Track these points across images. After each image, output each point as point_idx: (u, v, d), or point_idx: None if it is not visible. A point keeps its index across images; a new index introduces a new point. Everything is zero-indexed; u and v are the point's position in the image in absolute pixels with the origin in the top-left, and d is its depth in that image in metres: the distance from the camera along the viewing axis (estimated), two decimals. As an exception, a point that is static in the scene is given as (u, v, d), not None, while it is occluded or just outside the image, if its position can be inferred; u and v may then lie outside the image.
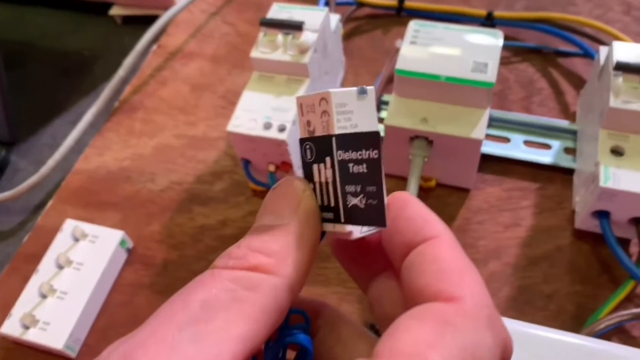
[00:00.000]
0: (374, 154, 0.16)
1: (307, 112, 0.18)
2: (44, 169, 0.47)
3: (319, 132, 0.17)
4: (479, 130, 0.38)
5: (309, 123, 0.18)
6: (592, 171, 0.37)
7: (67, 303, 0.39)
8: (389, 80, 0.49)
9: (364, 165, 0.16)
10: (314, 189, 0.18)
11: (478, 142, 0.38)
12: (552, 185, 0.43)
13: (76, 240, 0.42)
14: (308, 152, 0.18)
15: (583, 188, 0.39)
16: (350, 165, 0.17)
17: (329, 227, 0.18)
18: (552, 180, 0.43)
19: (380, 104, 0.47)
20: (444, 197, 0.43)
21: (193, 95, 0.52)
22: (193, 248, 0.43)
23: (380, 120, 0.47)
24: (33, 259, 0.43)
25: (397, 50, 0.48)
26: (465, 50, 0.39)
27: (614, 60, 0.37)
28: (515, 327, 0.32)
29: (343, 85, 0.50)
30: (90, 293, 0.39)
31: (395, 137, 0.40)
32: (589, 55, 0.48)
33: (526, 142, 0.45)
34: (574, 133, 0.44)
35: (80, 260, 0.41)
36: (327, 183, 0.17)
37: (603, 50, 0.40)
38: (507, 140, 0.45)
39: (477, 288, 0.16)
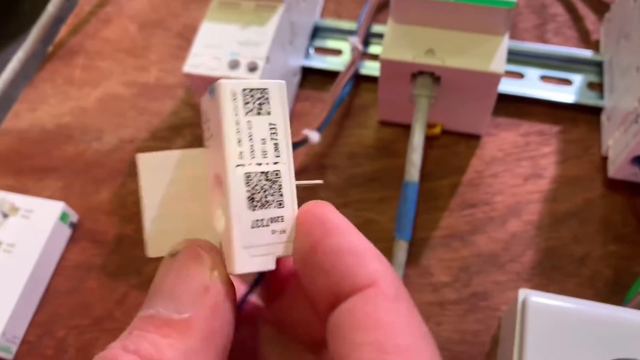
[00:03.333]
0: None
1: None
2: (-37, 130, 0.39)
3: None
4: (498, 62, 0.31)
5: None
6: (632, 109, 0.31)
7: (-3, 295, 0.31)
8: (379, 8, 0.41)
9: None
10: None
11: (497, 77, 0.31)
12: (576, 127, 0.36)
13: (5, 216, 0.34)
14: None
15: (618, 130, 0.33)
16: None
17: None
18: (575, 122, 0.36)
19: (368, 37, 0.40)
20: (451, 146, 0.36)
21: (142, 35, 0.43)
22: (152, 219, 0.35)
23: (374, 56, 0.39)
24: (-46, 241, 0.35)
25: (386, -28, 0.40)
26: (478, -37, 0.31)
27: (661, -30, 0.30)
28: (548, 302, 0.26)
29: (323, 15, 0.42)
30: (25, 280, 0.32)
31: (394, 75, 0.33)
32: (614, -29, 0.40)
33: (543, 78, 0.38)
34: (598, 65, 0.38)
35: (11, 241, 0.33)
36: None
37: (641, -39, 0.33)
38: (520, 75, 0.38)
39: (386, 267, 0.13)
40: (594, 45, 0.39)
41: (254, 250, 0.14)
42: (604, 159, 0.35)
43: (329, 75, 0.38)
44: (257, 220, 0.14)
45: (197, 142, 0.37)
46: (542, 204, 0.34)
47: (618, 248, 0.32)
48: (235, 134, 0.14)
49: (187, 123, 0.38)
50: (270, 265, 0.14)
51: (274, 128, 0.14)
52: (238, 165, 0.14)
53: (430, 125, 0.35)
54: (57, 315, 0.33)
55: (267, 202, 0.14)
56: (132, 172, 0.37)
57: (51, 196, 0.36)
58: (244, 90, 0.14)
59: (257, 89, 0.14)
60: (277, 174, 0.14)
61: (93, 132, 0.39)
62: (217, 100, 0.14)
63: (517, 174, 0.35)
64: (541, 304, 0.26)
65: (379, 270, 0.13)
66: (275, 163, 0.14)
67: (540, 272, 0.32)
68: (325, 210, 0.14)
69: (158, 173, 0.15)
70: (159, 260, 0.34)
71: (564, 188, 0.34)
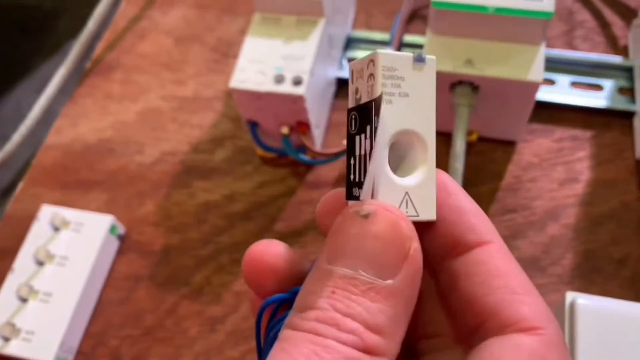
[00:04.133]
0: None
1: (356, 78, 0.16)
2: (9, 146, 0.40)
3: (364, 99, 0.16)
4: (536, 71, 0.32)
5: (357, 90, 0.16)
6: (668, 113, 0.31)
7: (54, 306, 0.32)
8: (409, 20, 0.42)
9: None
10: (353, 164, 0.16)
11: (535, 86, 0.32)
12: (609, 132, 0.37)
13: (56, 229, 0.35)
14: (353, 122, 0.16)
15: (653, 133, 0.33)
16: None
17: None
18: (608, 127, 0.37)
19: (400, 47, 0.41)
20: (488, 153, 0.37)
21: (179, 49, 0.44)
22: (197, 230, 0.36)
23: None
24: (5, 255, 0.36)
25: (416, -17, 0.41)
26: (514, -25, 0.32)
27: (695, -22, 0.31)
28: (596, 304, 0.27)
29: (354, 26, 0.43)
30: (80, 292, 0.33)
31: (433, 85, 0.33)
32: (641, -23, 0.41)
33: (573, 84, 0.39)
34: (629, 70, 0.38)
35: (64, 254, 0.34)
36: (365, 155, 0.15)
37: (671, -32, 0.34)
38: (551, 82, 0.39)
39: (549, 313, 0.15)
40: (623, 51, 0.40)
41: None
42: (638, 162, 0.35)
43: (362, 85, 0.39)
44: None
45: (240, 152, 0.38)
46: (578, 207, 0.35)
47: (656, 249, 0.33)
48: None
49: (228, 135, 0.39)
50: (434, 215, 0.16)
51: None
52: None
53: (467, 133, 0.36)
54: (110, 326, 0.34)
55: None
56: (175, 183, 0.38)
57: (97, 209, 0.37)
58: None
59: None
60: None
61: (134, 146, 0.40)
62: (430, 70, 0.16)
63: (554, 178, 0.36)
64: (589, 306, 0.27)
65: (493, 230, 0.16)
66: None
67: (581, 275, 0.33)
68: (444, 177, 0.16)
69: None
70: (206, 269, 0.35)
71: (600, 191, 0.35)
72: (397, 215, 0.14)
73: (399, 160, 0.16)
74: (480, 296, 0.15)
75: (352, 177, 0.16)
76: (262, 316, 0.17)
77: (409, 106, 0.16)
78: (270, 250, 0.16)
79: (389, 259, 0.14)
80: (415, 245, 0.14)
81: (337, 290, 0.14)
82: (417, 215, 0.15)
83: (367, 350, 0.13)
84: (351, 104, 0.16)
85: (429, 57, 0.16)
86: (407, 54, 0.15)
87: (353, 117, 0.16)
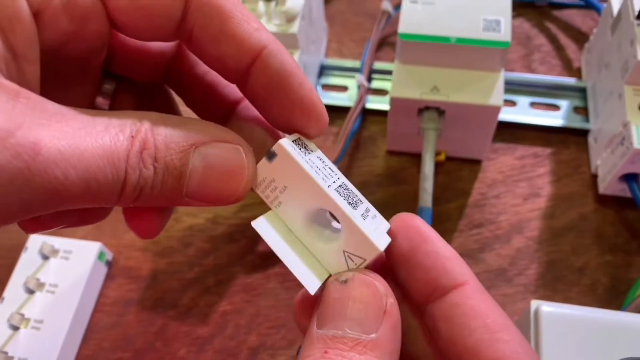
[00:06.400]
0: None
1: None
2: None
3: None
4: (497, 96, 0.34)
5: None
6: (617, 132, 0.34)
7: (45, 333, 0.33)
8: (379, 47, 0.45)
9: None
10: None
11: (496, 109, 0.34)
12: (566, 149, 0.40)
13: (45, 258, 0.36)
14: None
15: (605, 150, 0.36)
16: None
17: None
18: (565, 144, 0.40)
19: (371, 74, 0.43)
20: (455, 172, 0.39)
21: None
22: (183, 253, 0.38)
23: (381, 91, 0.43)
24: (-5, 285, 0.37)
25: (384, 13, 0.44)
26: (473, 7, 0.35)
27: (635, 10, 0.34)
28: (558, 311, 0.29)
29: (327, 54, 0.46)
30: (71, 318, 0.34)
31: (402, 110, 0.36)
32: (590, 6, 0.44)
33: (533, 104, 0.42)
34: (582, 91, 0.42)
35: (54, 282, 0.35)
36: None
37: (615, 0, 0.37)
38: (512, 103, 0.42)
39: (526, 346, 0.16)
40: (577, 73, 0.43)
41: (374, 234, 0.17)
42: (594, 177, 0.38)
43: (335, 110, 0.41)
44: (361, 214, 0.17)
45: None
46: (541, 220, 0.37)
47: (613, 257, 0.35)
48: (311, 169, 0.17)
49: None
50: (387, 240, 0.17)
51: (321, 158, 0.18)
52: (329, 186, 0.17)
53: (435, 153, 0.39)
54: (101, 350, 0.35)
55: (355, 202, 0.17)
56: (160, 210, 0.39)
57: (85, 237, 0.38)
58: (293, 141, 0.17)
59: (298, 139, 0.18)
60: (345, 184, 0.18)
61: (119, 174, 0.41)
62: (284, 157, 0.17)
63: (517, 194, 0.38)
64: (552, 313, 0.29)
65: (467, 271, 0.17)
66: (339, 178, 0.18)
67: (545, 284, 0.35)
68: (418, 222, 0.17)
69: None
70: (192, 291, 0.36)
71: (560, 204, 0.38)
72: (372, 277, 0.16)
73: (323, 228, 0.18)
74: (461, 338, 0.16)
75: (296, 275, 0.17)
76: None
77: (294, 192, 0.17)
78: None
79: (370, 316, 0.16)
80: (391, 300, 0.16)
81: (329, 350, 0.15)
82: (365, 260, 0.17)
83: None
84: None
85: (276, 147, 0.17)
86: (262, 161, 0.17)
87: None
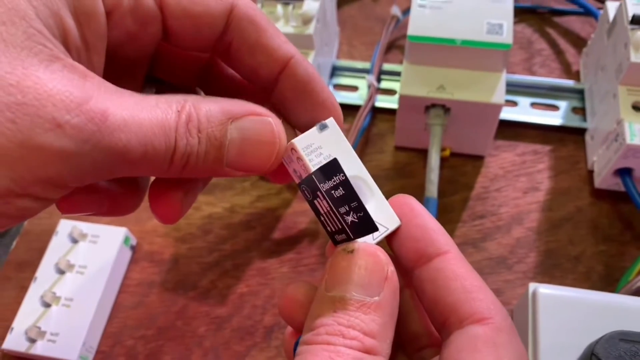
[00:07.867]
0: (341, 176, 0.19)
1: (289, 163, 0.20)
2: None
3: (304, 175, 0.19)
4: (499, 95, 0.37)
5: (295, 171, 0.20)
6: (611, 129, 0.37)
7: (75, 310, 0.36)
8: (387, 49, 0.47)
9: (340, 188, 0.19)
10: (323, 220, 0.20)
11: (498, 107, 0.37)
12: (564, 146, 0.42)
13: (75, 241, 0.38)
14: (306, 193, 0.20)
15: (601, 147, 0.38)
16: (333, 191, 0.19)
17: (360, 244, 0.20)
18: (563, 142, 0.42)
19: (380, 74, 0.46)
20: (459, 167, 0.42)
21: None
22: (203, 239, 0.40)
23: (389, 91, 0.45)
24: (27, 267, 0.39)
25: (393, 18, 0.47)
26: (477, 12, 0.37)
27: (629, 15, 0.36)
28: (554, 292, 0.31)
29: (339, 56, 0.48)
30: (99, 297, 0.36)
31: (410, 107, 0.38)
32: (589, 12, 0.47)
33: (533, 105, 0.44)
34: (580, 92, 0.44)
35: (83, 263, 0.38)
36: (329, 212, 0.19)
37: (611, 6, 0.40)
38: (514, 104, 0.44)
39: (497, 304, 0.18)
40: (575, 76, 0.46)
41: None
42: (590, 172, 0.40)
43: (346, 109, 0.44)
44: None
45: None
46: (540, 212, 0.39)
47: (607, 247, 0.38)
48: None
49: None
50: (398, 221, 0.20)
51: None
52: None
53: (440, 149, 0.41)
54: (126, 327, 0.37)
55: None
56: (181, 199, 0.42)
57: (111, 222, 0.41)
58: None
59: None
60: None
61: (142, 165, 0.44)
62: (334, 130, 0.20)
63: (518, 188, 0.40)
64: (548, 294, 0.31)
65: (450, 242, 0.19)
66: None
67: (543, 271, 0.37)
68: (411, 201, 0.20)
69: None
70: (211, 274, 0.38)
71: (558, 198, 0.40)
72: (375, 248, 0.19)
73: None
74: (442, 297, 0.18)
75: (328, 229, 0.20)
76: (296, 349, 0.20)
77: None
78: (299, 291, 0.20)
79: (373, 282, 0.18)
80: (391, 268, 0.19)
81: (337, 309, 0.18)
82: (388, 229, 0.19)
83: (367, 351, 0.17)
84: (297, 180, 0.20)
85: (328, 121, 0.20)
86: (312, 129, 0.19)
87: (304, 189, 0.20)
